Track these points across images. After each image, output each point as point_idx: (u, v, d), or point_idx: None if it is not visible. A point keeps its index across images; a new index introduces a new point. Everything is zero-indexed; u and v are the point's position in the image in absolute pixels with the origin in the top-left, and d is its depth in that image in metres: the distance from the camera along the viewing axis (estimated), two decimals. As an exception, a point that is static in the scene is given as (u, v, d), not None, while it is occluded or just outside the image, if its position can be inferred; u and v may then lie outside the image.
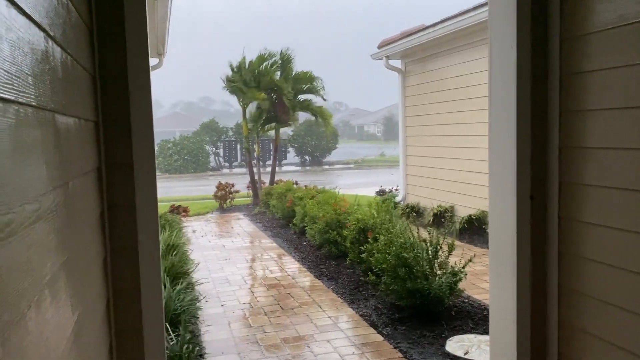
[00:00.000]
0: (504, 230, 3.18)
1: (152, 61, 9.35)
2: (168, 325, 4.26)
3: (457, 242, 7.84)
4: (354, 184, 19.91)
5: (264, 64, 12.12)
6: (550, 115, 3.02)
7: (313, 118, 13.59)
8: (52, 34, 1.44)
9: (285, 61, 12.44)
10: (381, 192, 11.26)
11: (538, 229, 3.08)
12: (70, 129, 1.68)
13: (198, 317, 4.88)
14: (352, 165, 32.18)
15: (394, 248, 4.75)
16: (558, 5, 2.91)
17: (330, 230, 6.83)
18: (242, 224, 10.40)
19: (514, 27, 2.99)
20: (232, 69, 12.12)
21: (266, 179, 13.69)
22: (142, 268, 2.50)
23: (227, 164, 30.47)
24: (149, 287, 2.53)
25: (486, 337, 4.07)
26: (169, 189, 20.49)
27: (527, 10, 2.97)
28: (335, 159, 33.98)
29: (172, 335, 4.14)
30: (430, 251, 4.75)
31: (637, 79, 2.44)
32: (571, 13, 2.85)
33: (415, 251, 4.69)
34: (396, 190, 11.34)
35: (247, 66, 11.96)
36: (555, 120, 2.99)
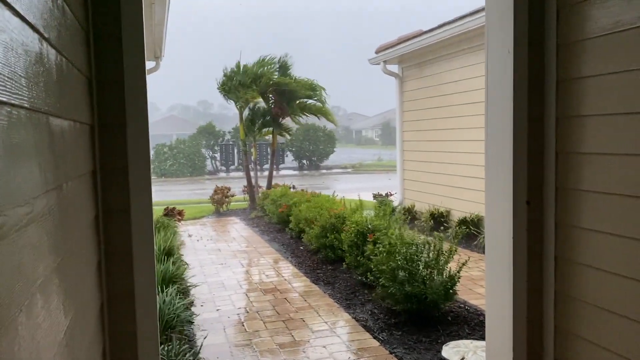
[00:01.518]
0: (500, 235, 3.18)
1: (149, 64, 9.34)
2: (163, 330, 4.24)
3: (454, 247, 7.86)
4: (351, 189, 19.88)
5: (263, 68, 12.11)
6: (546, 120, 3.02)
7: (311, 122, 13.61)
8: (46, 35, 1.43)
9: (283, 67, 12.43)
10: (378, 196, 11.26)
11: (534, 234, 3.08)
12: (65, 131, 1.67)
13: (193, 322, 4.85)
14: (349, 170, 32.19)
15: (397, 250, 4.72)
16: (555, 11, 2.92)
17: (327, 235, 6.81)
18: (239, 228, 10.38)
19: (510, 32, 3.00)
20: (226, 74, 12.10)
21: (263, 183, 13.67)
22: (137, 272, 2.49)
23: (224, 168, 30.44)
24: (143, 291, 2.51)
25: (482, 343, 4.06)
26: (165, 193, 20.45)
27: (524, 15, 2.97)
28: (333, 163, 33.98)
29: (167, 339, 4.12)
30: (429, 255, 4.74)
31: (633, 84, 2.45)
32: (568, 19, 2.86)
33: (417, 255, 4.68)
34: (392, 194, 11.33)
35: (243, 69, 11.94)
36: (551, 126, 3.00)
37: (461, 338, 4.36)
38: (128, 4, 2.41)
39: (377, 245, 5.04)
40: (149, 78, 9.88)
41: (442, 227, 8.74)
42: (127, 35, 2.41)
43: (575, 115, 2.86)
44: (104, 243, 2.42)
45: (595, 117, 2.73)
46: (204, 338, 4.49)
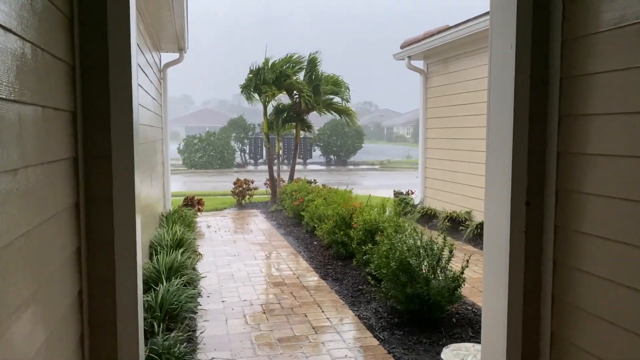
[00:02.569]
0: (497, 236, 3.07)
1: (172, 56, 9.44)
2: (163, 320, 4.26)
3: (470, 248, 7.70)
4: (376, 186, 19.77)
5: (287, 65, 12.09)
6: (549, 119, 2.91)
7: (338, 117, 13.51)
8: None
9: (312, 63, 12.40)
10: (398, 195, 11.12)
11: (533, 237, 2.97)
12: (25, 117, 1.66)
13: (197, 312, 4.88)
14: (377, 167, 31.96)
15: (397, 253, 4.63)
16: (561, 5, 2.80)
17: (337, 231, 6.76)
18: (257, 221, 10.42)
19: (513, 26, 2.88)
20: (252, 71, 12.12)
21: (287, 177, 13.67)
22: (118, 260, 2.49)
23: (252, 161, 30.64)
24: (124, 280, 2.51)
25: (484, 347, 3.94)
26: (192, 184, 20.72)
27: (527, 10, 2.86)
28: (361, 159, 33.80)
29: (167, 329, 4.14)
30: (432, 256, 4.63)
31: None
32: (574, 13, 2.73)
33: (419, 257, 4.58)
34: (412, 193, 11.18)
35: (269, 66, 11.94)
36: (554, 125, 2.88)
37: (464, 341, 4.25)
38: (114, -8, 2.39)
39: (376, 247, 4.96)
40: (173, 69, 9.95)
41: (459, 227, 8.58)
42: (113, 22, 2.40)
43: (579, 114, 2.73)
44: (86, 230, 2.42)
45: (601, 117, 2.60)
46: (201, 331, 4.50)
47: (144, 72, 6.03)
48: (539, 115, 2.91)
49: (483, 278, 3.25)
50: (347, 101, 12.58)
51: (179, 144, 28.87)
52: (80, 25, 2.34)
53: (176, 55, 9.40)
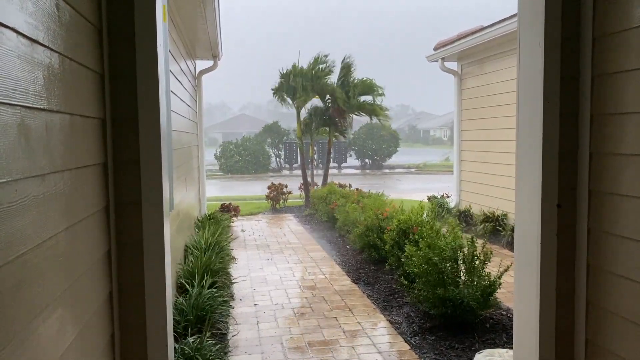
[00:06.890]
0: (529, 239, 3.00)
1: (207, 63, 9.60)
2: (196, 323, 4.33)
3: (508, 252, 7.53)
4: (412, 189, 19.57)
5: (318, 67, 12.14)
6: (580, 118, 2.83)
7: (374, 121, 13.45)
8: (25, 32, 1.48)
9: (346, 68, 12.42)
10: (432, 198, 10.98)
11: (565, 239, 2.89)
12: (53, 124, 1.72)
13: (229, 315, 4.93)
14: (413, 170, 31.65)
15: (430, 252, 4.58)
16: (591, 1, 2.72)
17: (370, 233, 6.72)
18: (291, 225, 10.47)
19: (542, 24, 2.82)
20: (282, 75, 12.23)
21: (321, 182, 13.71)
22: (147, 263, 2.54)
23: (287, 166, 30.83)
24: (153, 282, 2.57)
25: (518, 353, 3.85)
26: (228, 189, 20.98)
27: (557, 6, 2.79)
28: (397, 163, 33.54)
29: (198, 332, 4.21)
30: (466, 258, 4.56)
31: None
32: (605, 8, 2.66)
33: (449, 256, 4.51)
34: (447, 196, 11.02)
35: (299, 71, 12.04)
36: (586, 124, 2.80)
37: (497, 346, 4.16)
38: (141, 3, 2.46)
39: (413, 247, 4.91)
40: (207, 77, 10.11)
41: (495, 230, 8.41)
42: (140, 32, 2.46)
43: (612, 112, 2.65)
44: (116, 233, 2.49)
45: (636, 115, 2.51)
46: (233, 334, 4.55)
47: (177, 79, 6.16)
48: (569, 114, 2.84)
49: (514, 282, 3.18)
50: (380, 108, 12.51)
51: (216, 150, 29.32)
52: (109, 36, 2.42)
53: (210, 63, 9.56)
